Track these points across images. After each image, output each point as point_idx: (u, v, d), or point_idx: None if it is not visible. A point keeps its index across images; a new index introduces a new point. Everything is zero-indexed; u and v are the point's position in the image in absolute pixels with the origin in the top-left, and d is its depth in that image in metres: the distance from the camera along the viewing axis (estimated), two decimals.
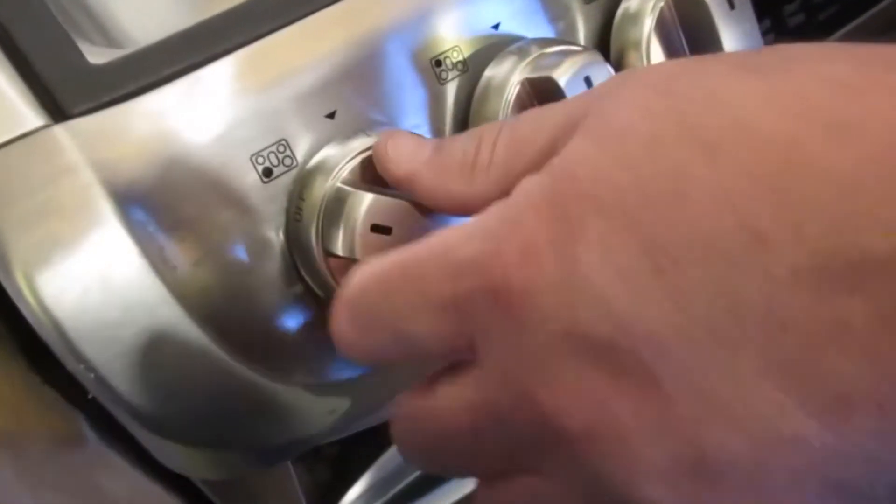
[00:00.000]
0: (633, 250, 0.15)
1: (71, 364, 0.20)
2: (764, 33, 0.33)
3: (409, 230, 0.21)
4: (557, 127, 0.18)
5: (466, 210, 0.19)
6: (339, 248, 0.21)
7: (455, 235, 0.17)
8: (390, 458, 0.44)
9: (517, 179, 0.17)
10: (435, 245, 0.17)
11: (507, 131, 0.20)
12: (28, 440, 0.26)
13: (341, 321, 0.19)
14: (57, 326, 0.19)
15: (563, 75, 0.23)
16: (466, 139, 0.20)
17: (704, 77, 0.16)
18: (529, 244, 0.16)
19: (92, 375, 0.20)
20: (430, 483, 0.45)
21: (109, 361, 0.20)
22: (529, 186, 0.17)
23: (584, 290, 0.15)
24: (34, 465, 0.26)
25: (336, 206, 0.21)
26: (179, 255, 0.21)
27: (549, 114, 0.19)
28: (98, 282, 0.19)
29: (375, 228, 0.21)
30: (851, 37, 0.35)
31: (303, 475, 0.41)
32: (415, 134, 0.23)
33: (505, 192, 0.17)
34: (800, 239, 0.13)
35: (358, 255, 0.20)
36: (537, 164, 0.17)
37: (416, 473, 0.44)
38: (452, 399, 0.17)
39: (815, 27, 0.34)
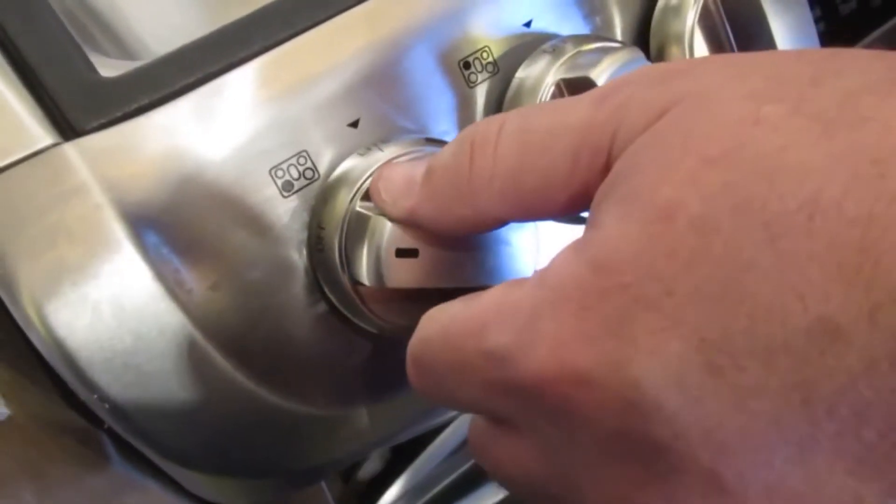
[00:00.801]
0: (685, 350, 0.13)
1: (84, 394, 0.19)
2: (814, 22, 0.31)
3: (438, 247, 0.20)
4: (582, 144, 0.16)
5: (481, 229, 0.18)
6: (366, 277, 0.19)
7: (491, 311, 0.16)
8: (426, 460, 0.43)
9: (529, 196, 0.16)
10: (473, 318, 0.16)
11: (510, 135, 0.17)
12: (49, 462, 0.25)
13: (409, 368, 0.18)
14: (67, 356, 0.18)
15: (601, 75, 0.22)
16: (456, 150, 0.18)
17: (764, 141, 0.13)
18: (569, 345, 0.14)
19: (106, 406, 0.19)
20: (466, 487, 0.44)
21: (124, 391, 0.19)
22: (565, 277, 0.15)
23: (634, 392, 0.13)
24: (55, 487, 0.25)
25: (358, 232, 0.20)
26: (196, 277, 0.20)
27: (567, 118, 0.16)
28: (110, 308, 0.18)
29: (401, 253, 0.19)
30: None
31: (336, 480, 0.41)
32: (407, 162, 0.20)
33: (516, 208, 0.16)
34: (875, 326, 0.12)
35: (388, 283, 0.19)
36: (555, 186, 0.16)
37: (453, 476, 0.43)
38: (505, 452, 0.17)
39: (867, 15, 0.32)
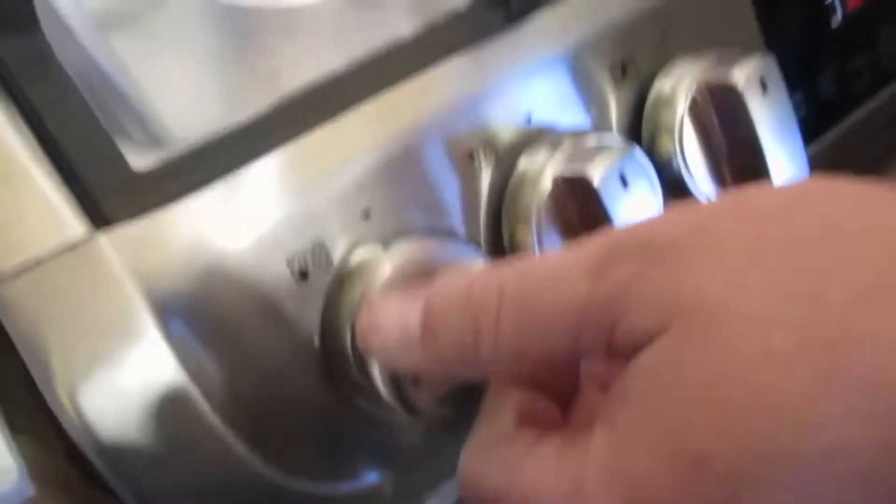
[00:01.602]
0: None
1: (110, 477, 0.20)
2: (796, 106, 0.32)
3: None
4: (582, 328, 0.16)
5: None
6: (378, 381, 0.21)
7: (538, 481, 0.17)
8: None
9: (533, 364, 0.17)
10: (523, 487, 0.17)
11: (511, 311, 0.17)
12: None
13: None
14: (96, 442, 0.19)
15: (596, 173, 0.23)
16: (459, 317, 0.18)
17: (780, 384, 0.14)
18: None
19: (129, 488, 0.20)
20: None
21: (146, 474, 0.20)
22: (595, 472, 0.16)
23: None
24: None
25: (366, 360, 0.21)
26: (217, 365, 0.21)
27: (565, 298, 0.17)
28: (139, 396, 0.20)
29: (418, 378, 0.21)
30: (887, 106, 0.35)
31: None
32: (396, 302, 0.20)
33: (521, 371, 0.17)
34: None
35: (403, 396, 0.21)
36: (557, 358, 0.17)
37: None
38: None
39: (848, 98, 0.34)
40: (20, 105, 0.24)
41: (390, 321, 0.19)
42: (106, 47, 0.30)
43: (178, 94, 0.29)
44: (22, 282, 0.20)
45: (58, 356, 0.19)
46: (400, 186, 0.24)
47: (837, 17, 0.34)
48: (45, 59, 0.24)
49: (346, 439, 0.23)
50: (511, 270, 0.18)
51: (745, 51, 0.30)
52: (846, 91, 0.34)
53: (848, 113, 0.34)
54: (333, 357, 0.22)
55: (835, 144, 0.34)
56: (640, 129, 0.28)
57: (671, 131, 0.27)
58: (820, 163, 0.33)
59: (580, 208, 0.24)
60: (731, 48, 0.29)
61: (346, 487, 0.23)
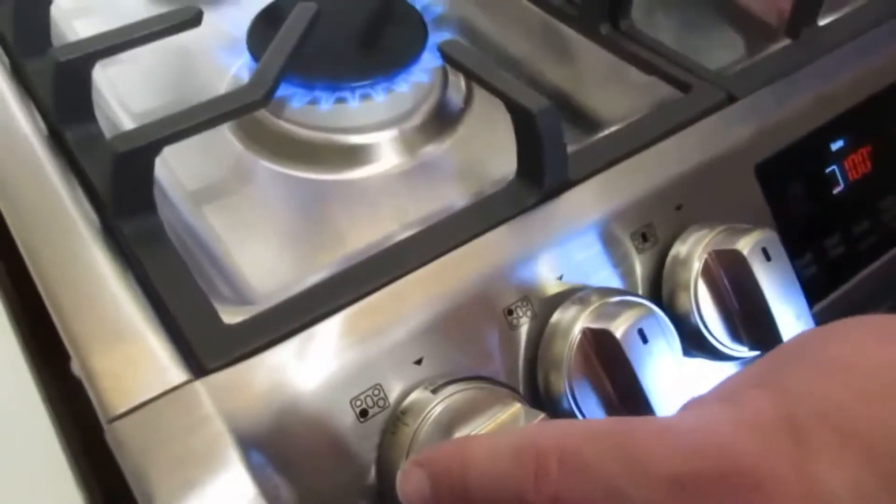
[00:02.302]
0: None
1: None
2: (805, 266, 0.36)
3: None
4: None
5: None
6: None
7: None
8: None
9: None
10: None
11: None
12: None
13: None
14: None
15: (619, 328, 0.27)
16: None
17: None
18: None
19: None
20: None
21: None
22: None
23: None
24: None
25: None
26: (288, 492, 0.24)
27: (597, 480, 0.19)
28: None
29: None
30: (891, 265, 0.38)
31: None
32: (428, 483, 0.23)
33: None
34: None
35: None
36: None
37: None
38: None
39: (855, 258, 0.37)
40: (135, 272, 0.29)
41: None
42: (200, 217, 0.35)
43: (260, 257, 0.34)
44: (131, 421, 0.24)
45: (157, 483, 0.23)
46: (448, 338, 0.28)
47: (840, 185, 0.38)
48: (157, 235, 0.29)
49: None
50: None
51: (754, 219, 0.34)
52: (852, 252, 0.37)
53: (855, 272, 0.37)
54: (387, 488, 0.25)
55: (843, 301, 0.37)
56: (660, 287, 0.32)
57: (687, 289, 0.31)
58: (830, 318, 0.36)
59: (606, 359, 0.28)
60: (739, 217, 0.33)
61: None
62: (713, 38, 0.45)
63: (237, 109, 0.30)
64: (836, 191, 0.37)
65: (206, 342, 0.26)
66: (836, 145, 0.38)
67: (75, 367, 0.27)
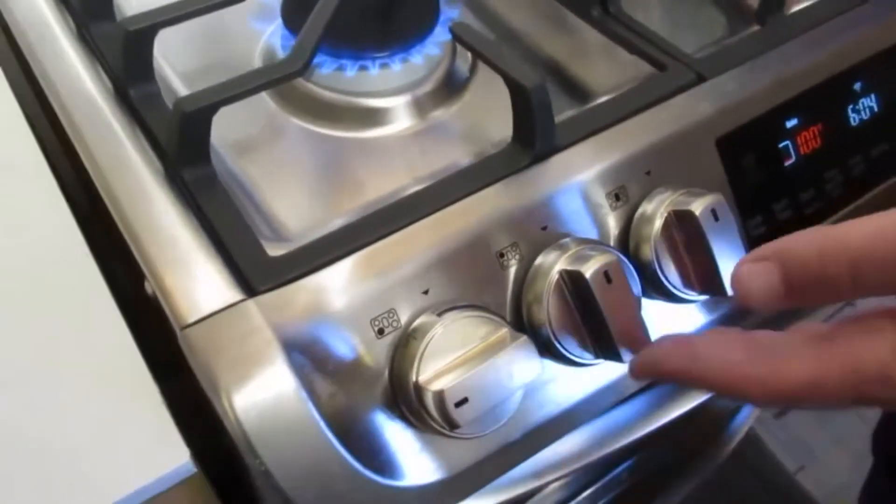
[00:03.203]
0: None
1: (249, 459, 0.30)
2: (755, 226, 0.42)
3: (485, 392, 0.31)
4: None
5: None
6: (430, 405, 0.30)
7: None
8: None
9: None
10: None
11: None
12: None
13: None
14: (244, 432, 0.29)
15: (588, 270, 0.33)
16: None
17: None
18: None
19: (262, 468, 0.29)
20: None
21: (275, 458, 0.30)
22: None
23: None
24: None
25: (423, 394, 0.31)
26: (323, 387, 0.31)
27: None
28: (272, 404, 0.30)
29: (459, 404, 0.30)
30: None
31: None
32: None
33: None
34: None
35: (455, 422, 0.30)
36: None
37: None
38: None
39: (800, 221, 0.44)
40: (195, 212, 0.35)
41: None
42: (240, 166, 0.41)
43: (291, 202, 0.40)
44: (198, 329, 0.31)
45: (222, 377, 0.30)
46: (450, 274, 0.34)
47: (791, 158, 0.44)
48: (212, 182, 0.35)
49: (405, 445, 0.33)
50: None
51: (713, 185, 0.40)
52: (798, 216, 0.43)
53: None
54: (399, 389, 0.32)
55: None
56: (628, 239, 0.38)
57: (649, 242, 0.37)
58: None
59: (578, 296, 0.34)
60: (700, 183, 0.39)
61: (407, 485, 0.32)
62: (693, 20, 0.50)
63: (281, 78, 0.35)
64: (787, 163, 0.43)
65: (255, 270, 0.32)
66: (791, 123, 0.44)
67: (149, 287, 0.33)
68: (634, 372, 0.31)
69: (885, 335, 0.23)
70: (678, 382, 0.31)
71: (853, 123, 0.46)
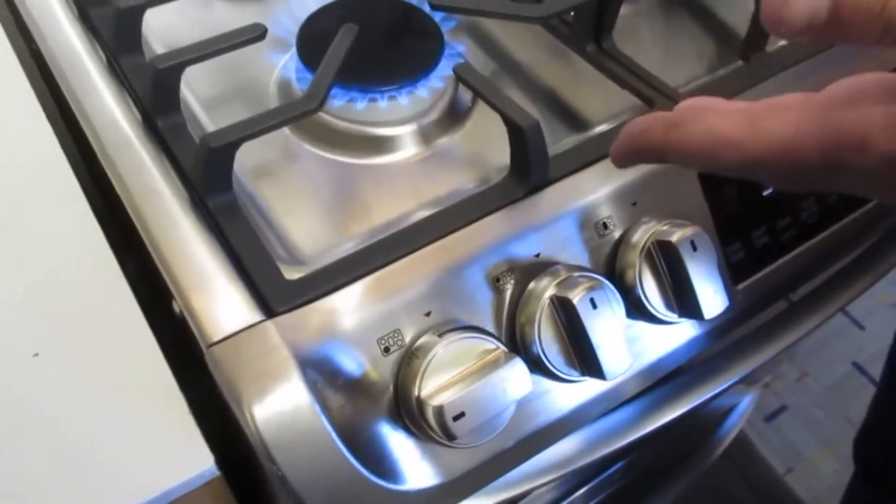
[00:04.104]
0: None
1: (267, 465, 0.33)
2: (734, 252, 0.46)
3: (481, 407, 0.34)
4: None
5: None
6: (431, 418, 0.34)
7: None
8: None
9: None
10: None
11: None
12: None
13: None
14: (262, 440, 0.33)
15: (576, 296, 0.37)
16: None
17: None
18: None
19: (279, 473, 0.33)
20: None
21: (290, 464, 0.33)
22: None
23: None
24: None
25: (424, 408, 0.34)
26: (334, 400, 0.34)
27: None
28: (288, 415, 0.33)
29: (457, 418, 0.34)
30: (810, 252, 0.48)
31: None
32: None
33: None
34: None
35: (453, 436, 0.34)
36: None
37: None
38: None
39: (777, 247, 0.47)
40: (219, 237, 0.38)
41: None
42: (257, 189, 0.44)
43: (303, 224, 0.43)
44: (223, 347, 0.34)
45: (244, 391, 0.33)
46: (450, 297, 0.38)
47: (770, 188, 0.47)
48: (233, 208, 0.39)
49: (409, 455, 0.36)
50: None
51: (695, 214, 0.43)
52: (775, 242, 0.47)
53: (776, 259, 0.47)
54: (402, 402, 0.35)
55: (764, 281, 0.46)
56: (615, 266, 0.41)
57: (634, 268, 0.40)
58: (751, 297, 0.46)
59: (566, 319, 0.38)
60: (683, 213, 0.42)
61: (408, 489, 0.36)
62: (682, 55, 0.53)
63: (299, 115, 0.39)
64: (766, 193, 0.47)
65: (274, 293, 0.36)
66: None
67: (177, 307, 0.37)
68: (614, 156, 0.30)
69: (878, 108, 0.22)
70: (655, 158, 0.27)
71: None
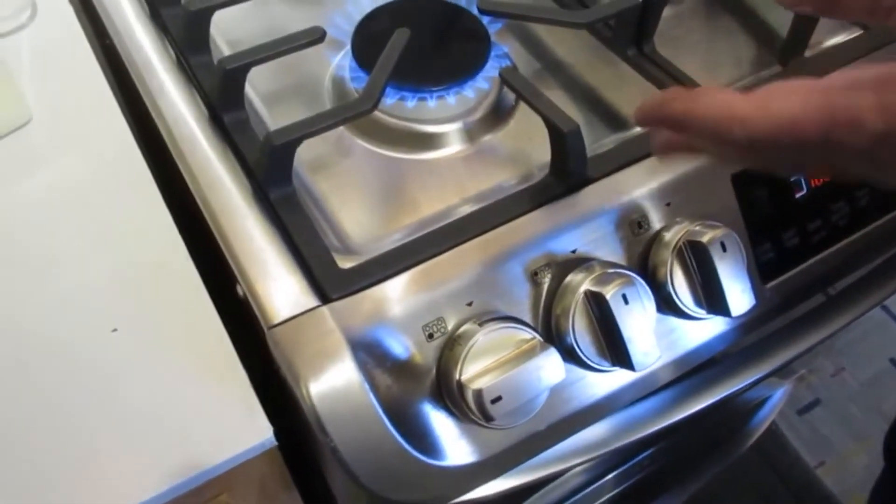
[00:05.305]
0: None
1: (321, 437, 0.36)
2: (764, 252, 0.47)
3: (517, 392, 0.37)
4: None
5: None
6: (470, 400, 0.37)
7: None
8: None
9: None
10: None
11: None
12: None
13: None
14: (317, 415, 0.36)
15: (608, 292, 0.39)
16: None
17: None
18: None
19: (332, 444, 0.36)
20: None
21: (341, 437, 0.36)
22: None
23: None
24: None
25: (464, 391, 0.37)
26: (382, 380, 0.38)
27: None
28: (341, 393, 0.36)
29: (494, 401, 0.36)
30: (840, 253, 0.49)
31: None
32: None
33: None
34: None
35: (491, 417, 0.36)
36: None
37: None
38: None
39: (807, 248, 0.49)
40: (279, 227, 0.41)
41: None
42: (313, 181, 0.47)
43: (356, 215, 0.46)
44: (282, 329, 0.38)
45: (301, 370, 0.36)
46: (491, 289, 0.40)
47: (803, 190, 0.49)
48: (293, 200, 0.42)
49: (451, 433, 0.39)
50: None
51: (727, 216, 0.45)
52: (804, 244, 0.49)
53: (805, 260, 0.49)
54: (444, 385, 0.39)
55: (793, 281, 0.48)
56: (647, 263, 0.44)
57: (665, 266, 0.43)
58: (780, 296, 0.48)
59: (598, 312, 0.40)
60: (715, 215, 0.44)
61: (448, 464, 0.39)
62: (722, 58, 0.55)
63: (354, 115, 0.42)
64: (798, 195, 0.49)
65: (329, 280, 0.39)
66: None
67: (240, 290, 0.40)
68: (637, 116, 0.33)
69: (870, 94, 0.25)
70: (674, 126, 0.31)
71: None
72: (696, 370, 0.49)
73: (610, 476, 0.85)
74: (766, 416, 1.04)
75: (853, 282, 0.56)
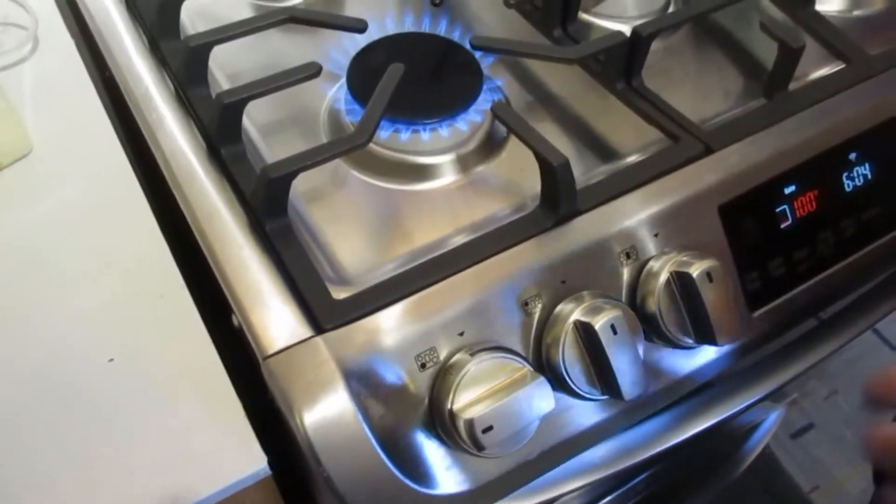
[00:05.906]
0: None
1: (314, 466, 0.37)
2: (751, 281, 0.48)
3: (508, 421, 0.37)
4: None
5: None
6: (461, 429, 0.37)
7: None
8: None
9: None
10: None
11: None
12: None
13: None
14: (311, 445, 0.37)
15: (598, 322, 0.40)
16: None
17: None
18: None
19: (325, 474, 0.37)
20: None
21: (335, 466, 0.37)
22: None
23: None
24: None
25: (456, 420, 0.38)
26: (375, 410, 0.38)
27: None
28: (334, 422, 0.37)
29: (486, 430, 0.37)
30: (827, 282, 0.50)
31: None
32: None
33: None
34: None
35: (482, 447, 0.37)
36: None
37: None
38: None
39: (793, 277, 0.50)
40: (274, 258, 0.42)
41: None
42: (308, 210, 0.48)
43: (350, 245, 0.47)
44: (277, 359, 0.38)
45: (296, 400, 0.37)
46: (483, 319, 0.41)
47: (788, 220, 0.50)
48: (288, 232, 0.43)
49: (441, 462, 0.40)
50: None
51: (714, 246, 0.46)
52: (791, 272, 0.49)
53: (792, 288, 0.50)
54: (436, 414, 0.39)
55: (781, 309, 0.49)
56: (636, 293, 0.45)
57: (654, 296, 0.44)
58: (768, 323, 0.48)
59: (588, 343, 0.41)
60: (702, 245, 0.45)
61: (440, 493, 0.39)
62: (709, 91, 0.56)
63: (349, 149, 0.43)
64: (784, 225, 0.50)
65: (323, 311, 0.40)
66: (789, 189, 0.50)
67: (235, 320, 0.41)
68: (867, 392, 0.36)
69: None
70: None
71: (847, 189, 0.52)
72: (689, 394, 0.50)
73: (604, 501, 0.85)
74: (759, 440, 1.05)
75: (844, 306, 0.57)
